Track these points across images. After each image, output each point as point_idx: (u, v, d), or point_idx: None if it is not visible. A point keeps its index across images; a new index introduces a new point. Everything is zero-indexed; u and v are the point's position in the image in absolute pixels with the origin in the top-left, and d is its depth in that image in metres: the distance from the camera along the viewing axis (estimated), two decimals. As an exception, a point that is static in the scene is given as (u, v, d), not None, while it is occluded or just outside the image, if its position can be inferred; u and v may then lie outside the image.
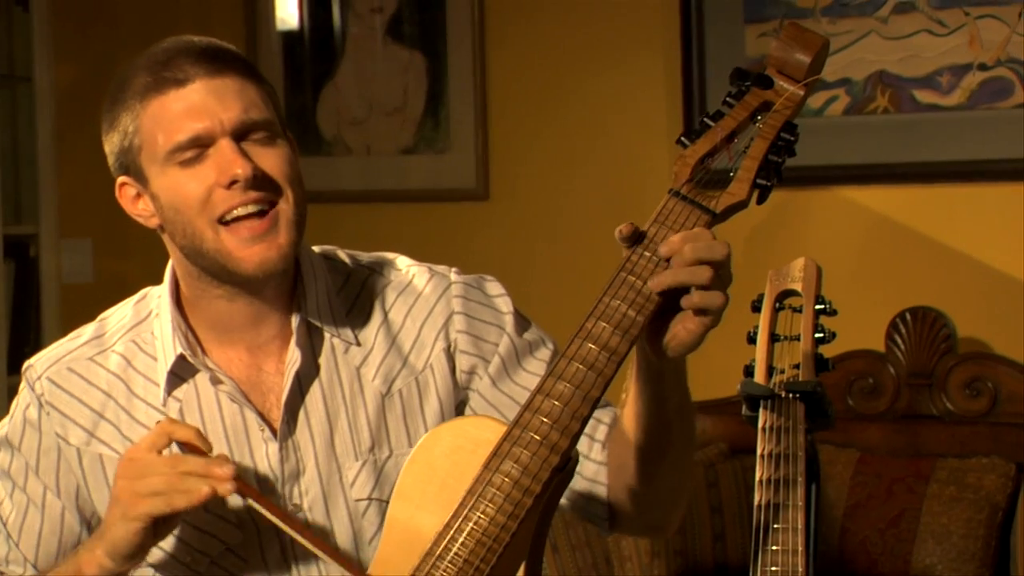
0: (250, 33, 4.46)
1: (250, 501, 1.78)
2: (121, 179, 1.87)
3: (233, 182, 1.78)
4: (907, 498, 3.57)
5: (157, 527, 1.76)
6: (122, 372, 1.90)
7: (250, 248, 1.79)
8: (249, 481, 1.85)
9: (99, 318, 1.97)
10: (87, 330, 1.96)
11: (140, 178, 1.85)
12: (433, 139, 4.32)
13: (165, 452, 1.76)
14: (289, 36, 4.47)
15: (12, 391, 4.10)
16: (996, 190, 3.76)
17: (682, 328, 1.68)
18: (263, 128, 1.81)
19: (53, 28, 4.33)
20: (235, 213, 1.80)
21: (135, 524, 1.74)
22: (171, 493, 1.72)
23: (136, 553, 1.77)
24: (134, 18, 4.63)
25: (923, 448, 3.67)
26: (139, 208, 1.87)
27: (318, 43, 4.44)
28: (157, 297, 1.93)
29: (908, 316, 3.75)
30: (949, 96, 3.80)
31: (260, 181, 1.79)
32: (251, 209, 1.79)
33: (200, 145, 1.79)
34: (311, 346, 1.89)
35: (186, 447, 1.76)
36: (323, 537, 1.85)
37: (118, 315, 1.96)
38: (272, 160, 1.80)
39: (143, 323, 1.92)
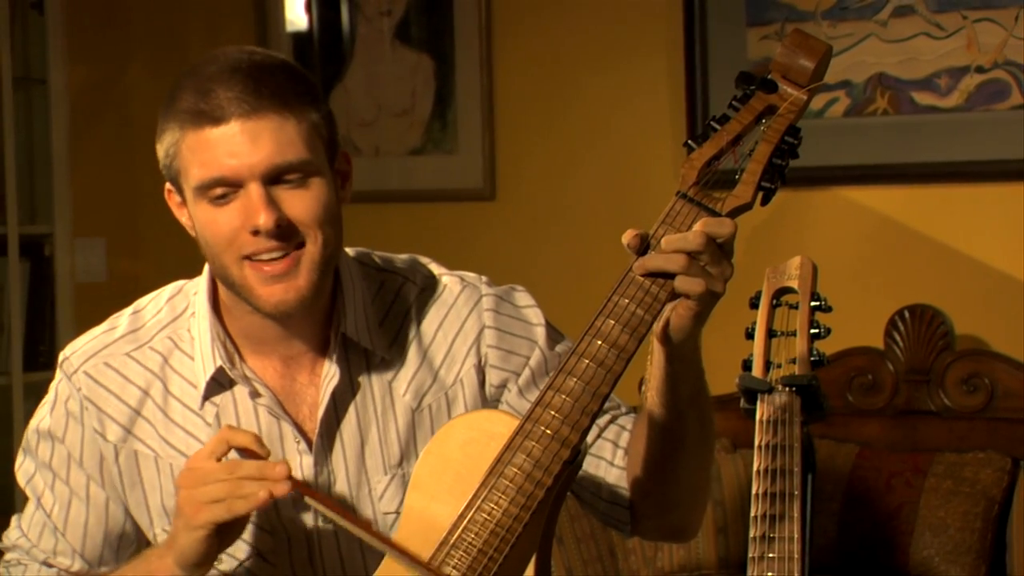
0: (260, 35, 4.49)
1: (307, 499, 1.79)
2: (168, 186, 1.88)
3: (255, 231, 1.78)
4: (905, 492, 3.61)
5: (222, 534, 1.76)
6: (159, 370, 1.91)
7: (269, 287, 1.80)
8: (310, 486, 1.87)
9: (133, 310, 1.97)
10: (122, 322, 1.95)
11: (182, 195, 1.86)
12: (441, 140, 4.36)
13: (225, 459, 1.76)
14: (298, 38, 4.51)
15: (29, 387, 4.21)
16: (993, 190, 3.80)
17: (674, 313, 1.73)
18: (296, 169, 1.79)
19: (67, 31, 4.36)
20: (260, 257, 1.81)
21: (199, 532, 1.74)
22: (230, 499, 1.72)
23: (204, 561, 1.78)
24: (146, 21, 4.67)
25: (921, 443, 3.72)
26: (183, 217, 1.88)
27: (327, 45, 4.47)
28: (193, 294, 1.93)
29: (906, 314, 3.80)
30: (947, 98, 3.85)
31: (284, 230, 1.78)
32: (275, 255, 1.80)
33: (228, 185, 1.79)
34: (347, 361, 1.90)
35: (245, 452, 1.76)
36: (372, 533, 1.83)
37: (152, 308, 1.96)
38: (301, 205, 1.79)
39: (179, 319, 1.93)
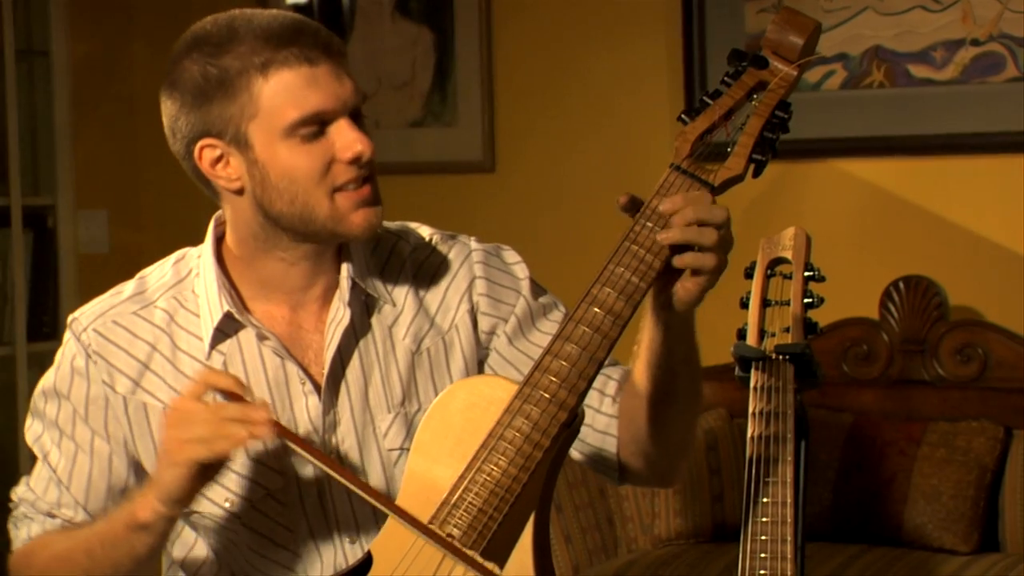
0: (261, 7, 4.50)
1: (287, 442, 1.86)
2: (204, 142, 1.92)
3: (355, 158, 1.90)
4: (899, 460, 3.66)
5: (204, 471, 1.85)
6: (166, 326, 1.99)
7: (360, 212, 1.91)
8: (292, 431, 1.94)
9: (138, 276, 2.04)
10: (127, 287, 2.03)
11: (238, 143, 1.91)
12: (441, 113, 4.39)
13: (210, 400, 1.85)
14: (299, 10, 4.50)
15: (33, 358, 4.25)
16: (987, 162, 3.84)
17: (681, 287, 1.80)
18: (361, 110, 1.94)
19: (70, 3, 4.38)
20: (348, 188, 1.91)
21: (181, 469, 1.82)
22: (213, 439, 1.81)
23: (184, 497, 1.86)
24: (148, -7, 4.70)
25: (915, 412, 3.76)
26: (218, 170, 1.93)
27: (328, 18, 4.49)
28: (196, 257, 2.02)
29: (901, 284, 3.84)
30: (943, 71, 3.88)
31: (372, 158, 1.93)
32: (361, 183, 1.93)
33: (322, 121, 1.90)
34: (353, 305, 1.99)
35: (228, 395, 1.84)
36: (356, 474, 1.93)
37: (157, 273, 2.03)
38: (370, 140, 1.94)
39: (184, 281, 2.01)
